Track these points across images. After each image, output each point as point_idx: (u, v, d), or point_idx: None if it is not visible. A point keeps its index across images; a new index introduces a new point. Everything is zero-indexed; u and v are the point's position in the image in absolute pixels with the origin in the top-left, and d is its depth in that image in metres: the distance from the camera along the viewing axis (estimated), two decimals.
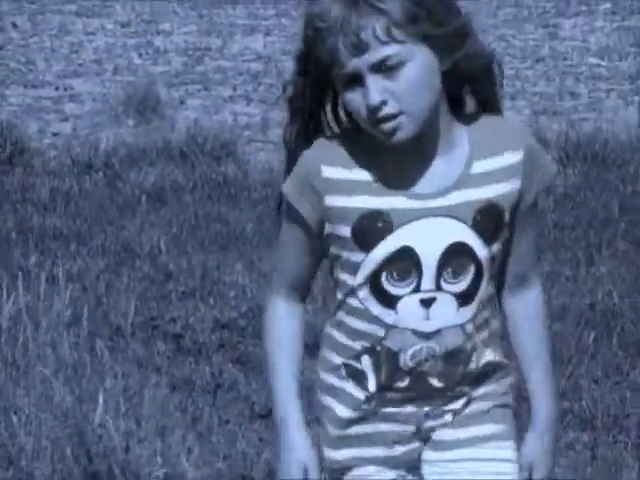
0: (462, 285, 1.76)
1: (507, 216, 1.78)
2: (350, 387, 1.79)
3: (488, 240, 1.76)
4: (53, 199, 6.04)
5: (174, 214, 5.79)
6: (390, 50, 1.67)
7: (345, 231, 1.75)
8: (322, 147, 1.76)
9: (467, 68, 1.74)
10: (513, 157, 1.78)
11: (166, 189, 6.17)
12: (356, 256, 1.75)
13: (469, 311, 1.77)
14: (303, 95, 1.75)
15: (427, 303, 1.75)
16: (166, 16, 10.53)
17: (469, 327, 1.78)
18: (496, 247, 1.78)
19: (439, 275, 1.75)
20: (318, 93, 1.74)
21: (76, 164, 6.56)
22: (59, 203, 5.97)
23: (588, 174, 6.04)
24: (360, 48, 1.66)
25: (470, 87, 1.78)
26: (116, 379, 3.41)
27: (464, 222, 1.75)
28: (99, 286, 4.74)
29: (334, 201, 1.75)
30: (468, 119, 1.79)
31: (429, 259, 1.74)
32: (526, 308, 1.86)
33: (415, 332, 1.75)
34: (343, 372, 1.79)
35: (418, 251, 1.74)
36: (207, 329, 4.31)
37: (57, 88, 8.25)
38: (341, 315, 1.79)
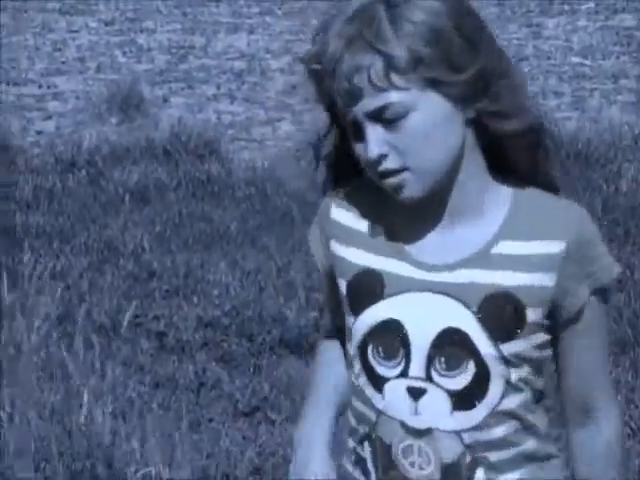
0: (458, 383, 1.45)
1: (532, 316, 1.44)
2: (358, 475, 1.56)
3: (497, 336, 1.43)
4: (36, 197, 6.03)
5: (157, 213, 5.78)
6: (389, 98, 1.39)
7: (343, 286, 1.52)
8: (342, 189, 1.52)
9: (494, 128, 1.43)
10: (551, 247, 1.44)
11: (149, 187, 6.16)
12: (349, 319, 1.51)
13: (469, 418, 1.46)
14: (332, 140, 1.50)
15: (415, 394, 1.46)
16: (150, 14, 10.50)
17: (468, 438, 1.46)
18: (510, 349, 1.43)
19: (430, 363, 1.45)
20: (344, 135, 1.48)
21: (59, 162, 6.54)
22: (42, 201, 5.96)
23: (571, 173, 6.07)
24: (353, 95, 1.40)
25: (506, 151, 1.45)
26: (100, 377, 3.41)
27: (468, 307, 1.44)
28: (82, 284, 4.73)
29: (336, 248, 1.52)
30: (519, 186, 1.46)
31: (419, 340, 1.45)
32: (591, 447, 1.51)
33: (404, 425, 1.48)
34: (353, 457, 1.57)
35: (407, 328, 1.46)
36: (190, 327, 4.31)
37: (40, 86, 8.22)
38: (351, 393, 1.56)
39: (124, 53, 9.15)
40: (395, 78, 1.39)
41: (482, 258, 1.44)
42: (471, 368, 1.44)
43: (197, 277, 4.85)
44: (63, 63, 8.86)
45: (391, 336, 1.46)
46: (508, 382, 1.45)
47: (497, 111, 1.43)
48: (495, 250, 1.44)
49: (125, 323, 4.09)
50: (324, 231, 1.54)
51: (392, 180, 1.43)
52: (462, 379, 1.44)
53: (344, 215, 1.52)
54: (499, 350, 1.43)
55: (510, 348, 1.44)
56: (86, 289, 4.67)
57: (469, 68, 1.40)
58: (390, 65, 1.38)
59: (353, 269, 1.50)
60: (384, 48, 1.38)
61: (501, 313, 1.43)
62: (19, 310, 3.57)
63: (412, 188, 1.42)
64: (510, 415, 1.46)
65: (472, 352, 1.43)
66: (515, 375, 1.45)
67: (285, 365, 4.06)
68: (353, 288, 1.50)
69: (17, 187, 6.17)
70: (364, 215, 1.51)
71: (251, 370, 4.04)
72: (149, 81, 8.18)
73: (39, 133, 7.23)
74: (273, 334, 4.25)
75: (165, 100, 7.85)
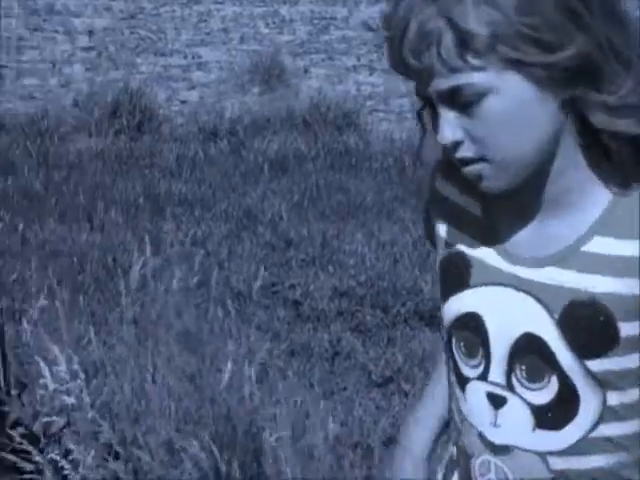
0: (541, 397, 1.24)
1: (628, 331, 1.21)
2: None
3: (581, 351, 1.21)
4: (179, 165, 6.18)
5: (295, 182, 5.86)
6: (462, 79, 1.15)
7: (437, 265, 1.35)
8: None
9: (595, 122, 1.18)
10: None
11: (289, 157, 6.25)
12: (441, 303, 1.34)
13: (555, 440, 1.24)
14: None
15: (496, 401, 1.27)
16: None
17: (555, 463, 1.25)
18: (602, 367, 1.22)
19: (511, 369, 1.25)
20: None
21: (202, 131, 6.69)
22: (185, 169, 6.11)
23: None
24: (423, 71, 1.16)
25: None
26: (237, 343, 3.49)
27: (549, 312, 1.22)
28: (221, 251, 4.84)
29: (435, 222, 1.36)
30: (620, 181, 1.21)
31: (499, 342, 1.26)
32: None
33: (482, 437, 1.29)
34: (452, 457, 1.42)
35: (488, 326, 1.27)
36: (326, 297, 4.37)
37: (185, 56, 8.40)
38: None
39: (267, 24, 9.25)
40: (471, 58, 1.14)
41: (571, 256, 1.22)
42: (554, 382, 1.23)
43: (333, 247, 4.90)
44: (207, 34, 9.03)
45: (472, 332, 1.28)
46: (607, 406, 1.23)
47: (602, 103, 1.17)
48: (587, 247, 1.21)
49: (255, 289, 4.17)
50: (430, 197, 1.36)
51: (470, 169, 1.21)
52: (546, 393, 1.23)
53: (447, 188, 1.33)
54: (585, 367, 1.22)
55: (601, 366, 1.21)
56: (225, 256, 4.78)
57: (565, 48, 1.14)
58: (464, 41, 1.13)
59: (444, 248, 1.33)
60: (458, 20, 1.13)
61: (586, 324, 1.21)
62: (161, 275, 3.68)
63: (492, 180, 1.21)
64: (612, 444, 1.24)
65: (553, 365, 1.22)
66: (616, 399, 1.23)
67: (419, 337, 4.08)
68: (444, 269, 1.33)
69: (161, 155, 6.34)
70: (464, 192, 1.30)
71: (385, 341, 4.08)
72: (290, 52, 8.27)
73: (183, 103, 7.40)
74: (407, 306, 4.28)
75: (306, 71, 7.92)
